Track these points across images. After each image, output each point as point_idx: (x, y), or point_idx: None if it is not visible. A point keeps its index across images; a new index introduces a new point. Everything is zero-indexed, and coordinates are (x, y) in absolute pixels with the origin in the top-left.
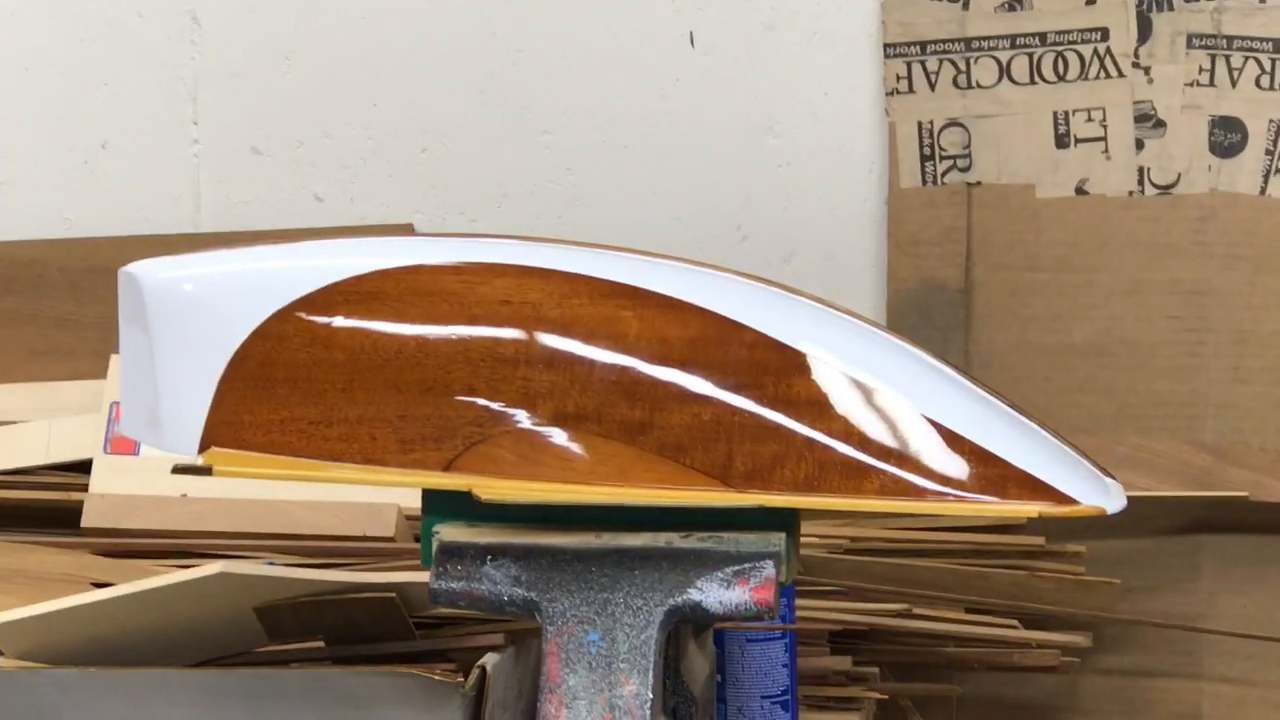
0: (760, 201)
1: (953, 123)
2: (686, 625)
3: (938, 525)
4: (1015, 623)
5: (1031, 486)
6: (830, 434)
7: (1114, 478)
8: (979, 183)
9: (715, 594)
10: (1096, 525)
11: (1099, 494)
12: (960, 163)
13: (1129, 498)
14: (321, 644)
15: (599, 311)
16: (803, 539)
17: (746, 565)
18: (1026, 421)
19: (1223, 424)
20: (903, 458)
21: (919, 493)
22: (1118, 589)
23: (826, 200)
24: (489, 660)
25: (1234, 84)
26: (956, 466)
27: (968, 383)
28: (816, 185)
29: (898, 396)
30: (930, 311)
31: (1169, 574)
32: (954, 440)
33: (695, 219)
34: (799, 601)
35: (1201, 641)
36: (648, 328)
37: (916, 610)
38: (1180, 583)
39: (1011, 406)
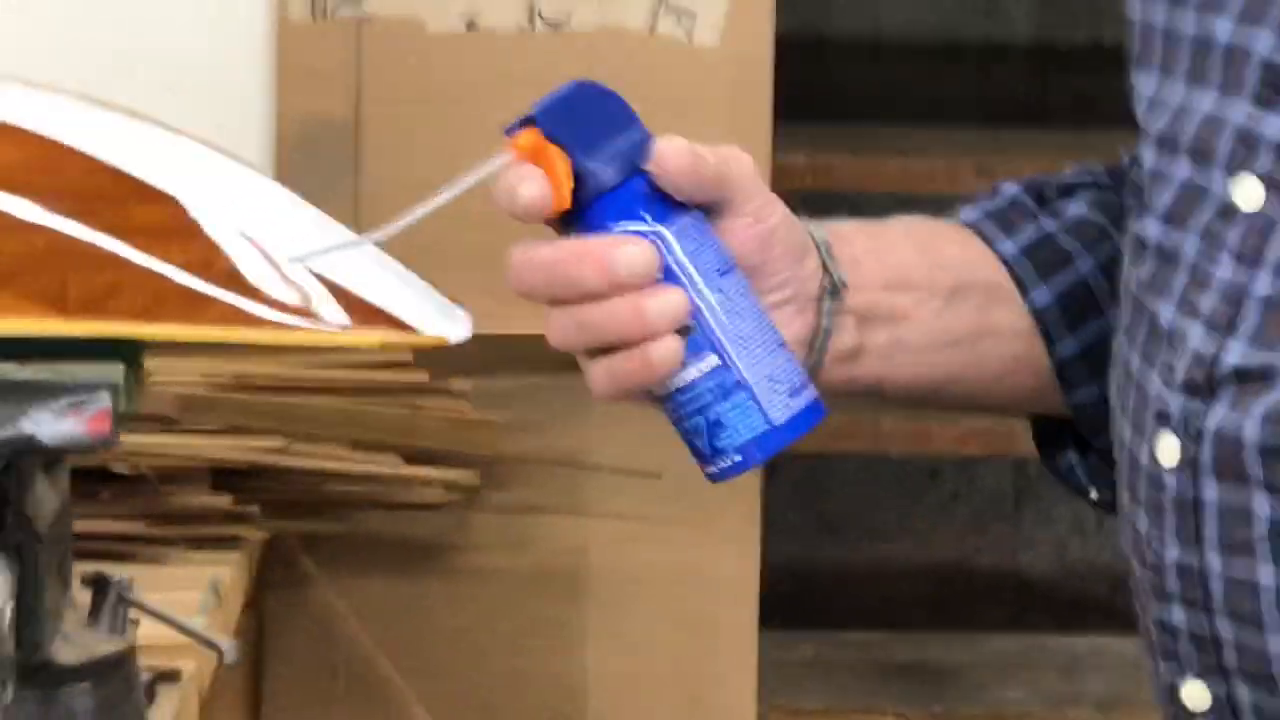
0: (145, 32)
1: None
2: (35, 459)
3: (324, 363)
4: (396, 459)
5: (376, 315)
6: (169, 263)
7: (463, 307)
8: (370, 17)
9: (48, 425)
10: (483, 362)
11: (444, 323)
12: None
13: (515, 334)
14: None
15: None
16: (186, 378)
17: (81, 396)
18: (381, 255)
19: None
20: (244, 286)
21: (259, 322)
22: (498, 426)
23: (214, 31)
24: None
25: None
26: (300, 295)
27: (320, 216)
28: (202, 15)
29: (242, 226)
30: (320, 146)
31: (556, 411)
32: (298, 271)
33: (74, 49)
34: (174, 439)
35: (587, 478)
36: None
37: (296, 447)
38: (567, 419)
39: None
